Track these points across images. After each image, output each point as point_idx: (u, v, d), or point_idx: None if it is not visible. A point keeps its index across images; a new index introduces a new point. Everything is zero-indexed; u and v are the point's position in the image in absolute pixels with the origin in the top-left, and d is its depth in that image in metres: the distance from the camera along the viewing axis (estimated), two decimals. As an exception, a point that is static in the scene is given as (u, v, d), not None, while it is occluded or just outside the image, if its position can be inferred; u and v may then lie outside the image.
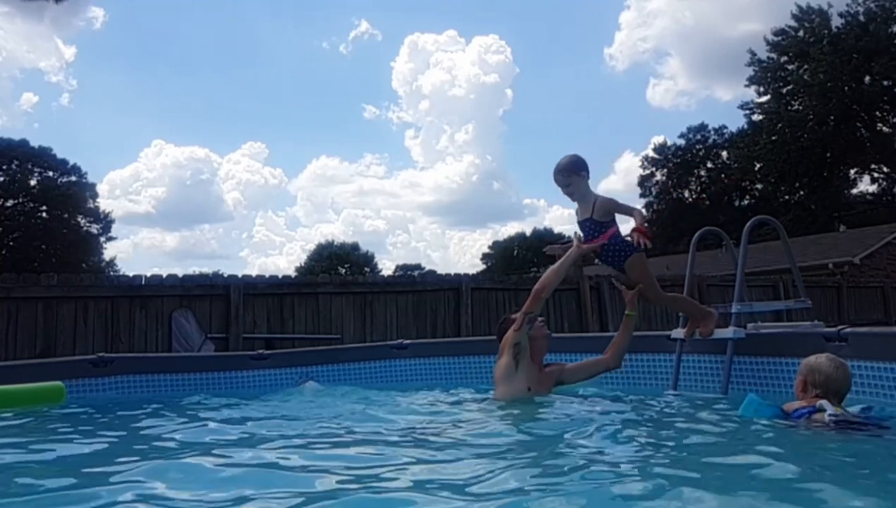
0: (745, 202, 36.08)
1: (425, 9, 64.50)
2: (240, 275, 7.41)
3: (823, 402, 2.23)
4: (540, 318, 3.20)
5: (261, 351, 4.65)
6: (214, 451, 2.02)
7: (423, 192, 65.29)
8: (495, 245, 49.88)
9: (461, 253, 61.40)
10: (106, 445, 2.15)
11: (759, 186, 34.61)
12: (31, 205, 31.06)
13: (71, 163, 31.82)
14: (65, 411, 3.23)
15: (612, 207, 3.14)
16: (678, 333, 3.54)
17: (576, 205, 3.27)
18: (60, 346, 6.22)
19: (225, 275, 7.71)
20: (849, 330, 3.05)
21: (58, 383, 3.42)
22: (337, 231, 62.16)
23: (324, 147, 78.52)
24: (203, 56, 58.43)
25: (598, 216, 3.14)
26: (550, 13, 61.31)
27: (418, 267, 45.16)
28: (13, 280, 6.31)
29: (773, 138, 29.47)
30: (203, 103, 59.91)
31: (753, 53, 30.77)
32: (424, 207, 64.96)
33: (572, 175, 3.16)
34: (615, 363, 3.28)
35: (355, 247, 47.04)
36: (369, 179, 61.67)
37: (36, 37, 41.95)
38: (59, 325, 6.29)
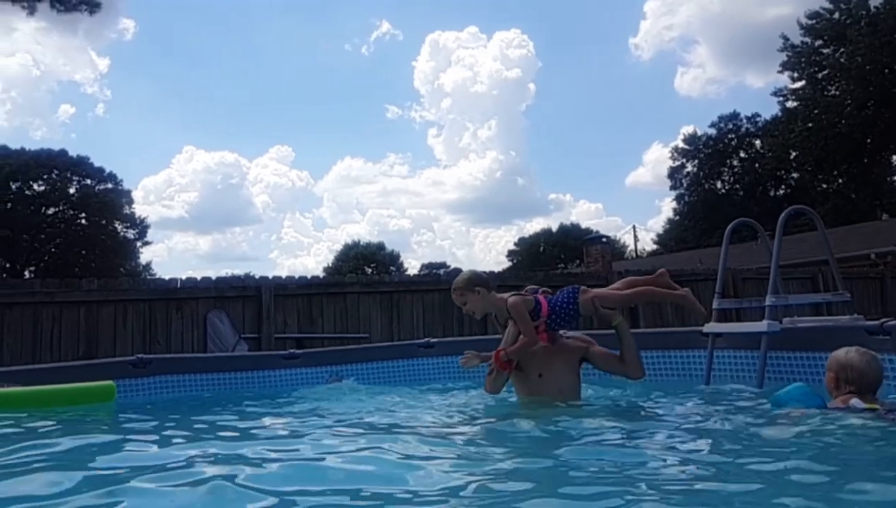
0: (781, 192, 34.96)
1: (446, 7, 64.52)
2: (270, 277, 7.56)
3: (854, 402, 2.18)
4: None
5: (292, 351, 4.75)
6: (250, 448, 2.07)
7: (446, 190, 65.26)
8: (521, 241, 49.55)
9: (486, 250, 61.20)
10: (147, 443, 2.23)
11: (795, 175, 33.50)
12: (72, 212, 32.32)
13: (107, 170, 33.00)
14: (109, 410, 3.36)
15: (525, 308, 2.94)
16: (711, 327, 3.47)
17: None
18: (102, 348, 6.46)
19: (256, 277, 7.86)
20: (892, 322, 2.94)
21: (109, 382, 3.55)
22: (362, 231, 62.83)
23: (348, 148, 79.34)
24: (229, 63, 59.70)
25: (517, 316, 2.96)
26: (573, 5, 60.56)
27: (444, 265, 45.14)
28: (56, 285, 6.59)
29: (809, 125, 28.47)
30: (231, 109, 61.23)
31: (786, 38, 29.76)
32: (448, 205, 64.90)
33: (466, 293, 3.03)
34: (635, 374, 3.07)
35: (381, 246, 47.45)
36: (393, 179, 62.08)
37: (71, 50, 43.57)
38: (100, 328, 6.53)
